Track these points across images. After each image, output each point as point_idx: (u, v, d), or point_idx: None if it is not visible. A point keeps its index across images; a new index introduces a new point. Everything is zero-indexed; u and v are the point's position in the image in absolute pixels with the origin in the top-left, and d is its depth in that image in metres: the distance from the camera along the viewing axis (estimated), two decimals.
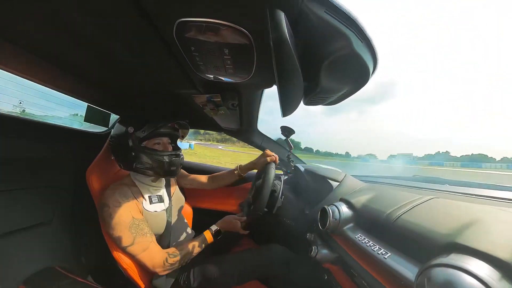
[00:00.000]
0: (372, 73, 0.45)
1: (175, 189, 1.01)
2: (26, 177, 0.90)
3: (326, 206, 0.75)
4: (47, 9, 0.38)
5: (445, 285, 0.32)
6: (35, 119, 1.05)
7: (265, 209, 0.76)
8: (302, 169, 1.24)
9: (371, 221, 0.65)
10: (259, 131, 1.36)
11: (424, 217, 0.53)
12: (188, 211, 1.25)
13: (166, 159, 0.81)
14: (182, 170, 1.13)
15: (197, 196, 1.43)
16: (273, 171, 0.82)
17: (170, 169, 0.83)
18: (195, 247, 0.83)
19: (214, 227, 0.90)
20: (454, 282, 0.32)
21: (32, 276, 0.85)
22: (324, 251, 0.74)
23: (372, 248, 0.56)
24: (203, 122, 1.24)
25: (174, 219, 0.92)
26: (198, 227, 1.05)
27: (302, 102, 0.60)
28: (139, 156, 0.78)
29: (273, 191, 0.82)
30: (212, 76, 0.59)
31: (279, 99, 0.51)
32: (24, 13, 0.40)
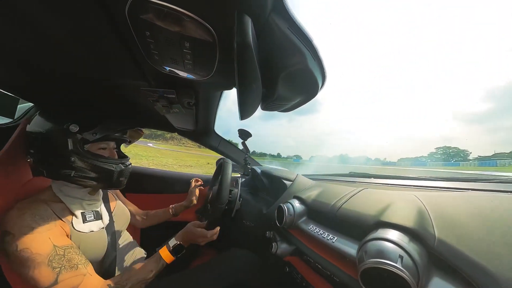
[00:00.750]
0: (321, 88, 0.53)
1: (115, 203, 0.86)
2: None
3: (282, 204, 0.82)
4: None
5: (377, 253, 0.41)
6: None
7: (225, 207, 0.75)
8: (258, 171, 1.30)
9: (320, 212, 0.75)
10: (216, 133, 1.33)
11: (359, 204, 0.65)
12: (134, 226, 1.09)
13: (116, 168, 0.69)
14: (118, 192, 1.01)
15: (144, 207, 1.26)
16: (230, 167, 0.82)
17: (119, 180, 0.71)
18: (147, 270, 0.66)
19: (172, 242, 0.75)
20: (381, 250, 0.42)
21: None
22: (283, 246, 0.79)
23: (322, 235, 0.64)
24: (152, 120, 1.09)
25: (117, 238, 0.77)
26: (150, 244, 0.92)
27: (259, 107, 0.64)
28: (79, 163, 0.63)
29: (230, 190, 0.82)
30: (167, 69, 0.53)
31: (238, 102, 0.52)
32: None
